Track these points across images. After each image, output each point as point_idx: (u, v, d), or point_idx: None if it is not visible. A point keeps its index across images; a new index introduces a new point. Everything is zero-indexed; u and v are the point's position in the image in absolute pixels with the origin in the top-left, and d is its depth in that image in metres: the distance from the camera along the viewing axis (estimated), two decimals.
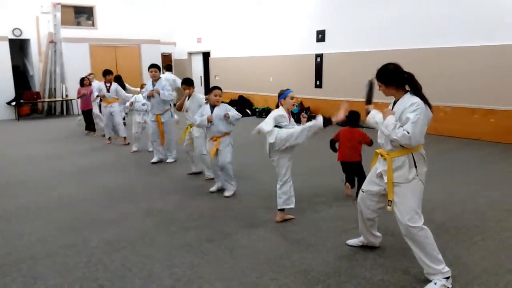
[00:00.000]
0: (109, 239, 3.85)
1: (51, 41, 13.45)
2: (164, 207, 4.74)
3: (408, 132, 2.71)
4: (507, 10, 7.68)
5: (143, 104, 7.35)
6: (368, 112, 3.19)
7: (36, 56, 13.75)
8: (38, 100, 13.43)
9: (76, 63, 13.52)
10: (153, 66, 6.74)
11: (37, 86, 13.86)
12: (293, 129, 4.00)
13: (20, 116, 13.05)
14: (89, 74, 10.37)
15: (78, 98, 9.81)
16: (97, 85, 8.69)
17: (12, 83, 13.03)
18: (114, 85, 8.39)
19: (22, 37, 13.49)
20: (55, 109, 14.01)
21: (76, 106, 10.92)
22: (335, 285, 2.99)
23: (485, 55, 8.01)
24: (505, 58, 7.76)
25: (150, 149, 7.37)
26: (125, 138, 8.56)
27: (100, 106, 9.40)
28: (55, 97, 13.72)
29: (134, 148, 7.83)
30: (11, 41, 13.11)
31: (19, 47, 14.17)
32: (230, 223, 4.19)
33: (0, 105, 12.89)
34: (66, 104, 14.06)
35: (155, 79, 6.65)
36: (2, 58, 12.63)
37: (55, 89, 13.67)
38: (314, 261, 3.35)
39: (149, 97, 6.54)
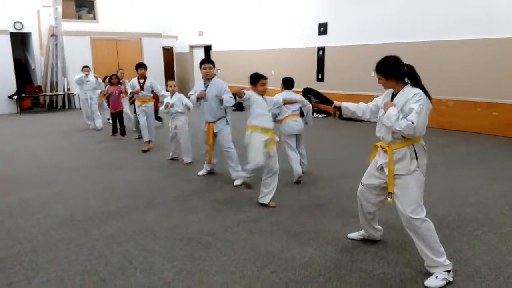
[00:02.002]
0: (111, 232, 3.86)
1: (52, 35, 13.43)
2: (165, 200, 4.74)
3: (412, 122, 2.69)
4: (510, 3, 7.62)
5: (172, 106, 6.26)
6: (339, 108, 3.33)
7: (38, 50, 13.74)
8: (40, 94, 13.42)
9: (77, 57, 13.47)
10: (207, 61, 5.34)
11: (38, 80, 13.86)
12: None
13: (21, 110, 13.06)
14: (118, 71, 9.32)
15: (106, 98, 8.75)
16: (130, 81, 7.54)
17: (14, 77, 13.01)
18: (149, 81, 7.25)
19: (24, 30, 13.47)
20: (57, 103, 14.01)
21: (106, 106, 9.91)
22: (336, 278, 2.99)
23: (488, 48, 7.96)
24: (507, 51, 7.71)
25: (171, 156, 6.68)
26: (149, 141, 7.40)
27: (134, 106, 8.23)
28: (56, 91, 13.72)
29: (170, 155, 6.67)
30: (13, 35, 13.09)
31: (20, 41, 14.17)
32: (231, 216, 4.19)
33: (1, 99, 12.89)
34: (68, 98, 14.05)
35: (209, 78, 5.31)
36: (3, 52, 12.60)
37: (56, 82, 13.67)
38: (314, 254, 3.35)
39: (200, 98, 5.32)
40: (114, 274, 3.10)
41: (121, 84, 8.63)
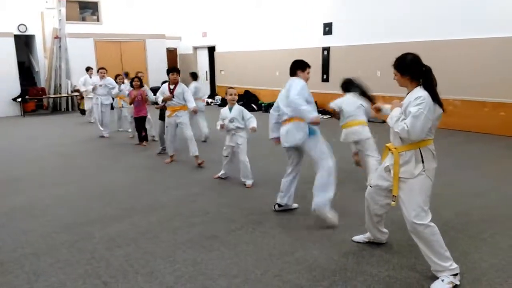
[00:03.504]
0: (112, 235, 3.83)
1: (56, 37, 13.46)
2: (167, 203, 4.71)
3: (407, 126, 2.65)
4: None
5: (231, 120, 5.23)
6: (379, 109, 3.24)
7: (41, 52, 13.79)
8: (44, 96, 13.46)
9: (81, 59, 13.52)
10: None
11: (42, 82, 13.90)
12: None
13: (25, 112, 13.11)
14: (138, 73, 8.54)
15: (130, 103, 7.80)
16: (160, 88, 6.54)
17: (18, 79, 13.07)
18: (181, 87, 6.22)
19: (27, 33, 13.53)
20: (61, 105, 14.05)
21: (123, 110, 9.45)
22: (341, 281, 2.94)
23: (495, 47, 7.87)
24: None
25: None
26: (197, 157, 6.31)
27: (163, 114, 6.78)
28: (60, 93, 13.75)
29: (221, 173, 5.64)
30: (16, 37, 13.15)
31: (24, 43, 14.23)
32: (234, 219, 4.15)
33: (5, 101, 12.95)
34: (72, 100, 14.08)
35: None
36: (7, 54, 12.67)
37: (60, 85, 13.70)
38: (319, 257, 3.30)
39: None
40: (115, 278, 3.06)
41: (142, 86, 7.85)
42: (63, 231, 3.95)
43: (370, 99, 3.26)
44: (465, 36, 8.28)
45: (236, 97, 5.33)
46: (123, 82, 8.99)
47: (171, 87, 6.19)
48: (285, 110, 4.02)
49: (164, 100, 6.20)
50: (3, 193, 5.21)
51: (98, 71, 9.37)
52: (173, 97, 6.14)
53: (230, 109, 5.22)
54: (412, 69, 2.84)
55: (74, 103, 14.11)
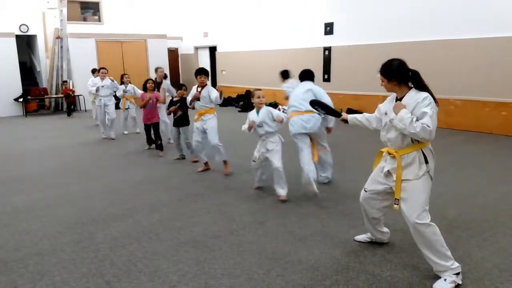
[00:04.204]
0: (115, 235, 3.84)
1: (58, 37, 13.49)
2: (170, 202, 4.72)
3: (428, 126, 2.66)
4: None
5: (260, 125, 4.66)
6: (346, 120, 3.38)
7: (43, 52, 13.83)
8: (45, 96, 13.49)
9: (82, 59, 13.56)
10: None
11: (44, 82, 13.92)
12: None
13: (27, 112, 13.13)
14: (158, 69, 8.05)
15: (142, 107, 6.95)
16: (192, 90, 5.90)
17: (19, 80, 13.10)
18: (207, 90, 5.73)
19: (29, 33, 13.56)
20: (62, 105, 14.06)
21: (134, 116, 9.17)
22: (343, 281, 2.94)
23: (497, 47, 7.86)
24: None
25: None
26: (206, 163, 6.03)
27: (178, 120, 6.41)
28: (62, 93, 13.77)
29: (255, 183, 5.12)
30: (18, 37, 13.17)
31: (26, 43, 14.26)
32: (237, 219, 4.16)
33: (7, 101, 12.97)
34: (73, 100, 14.10)
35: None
36: (9, 55, 12.69)
37: (62, 85, 13.70)
38: (321, 257, 3.31)
39: None
40: (118, 277, 3.08)
41: (158, 90, 7.34)
42: (67, 231, 3.96)
43: (337, 114, 3.41)
44: (467, 35, 8.27)
45: (264, 99, 4.72)
46: (129, 82, 8.66)
47: (198, 89, 5.79)
48: (303, 104, 4.81)
49: (192, 101, 5.80)
50: (6, 193, 5.22)
51: (98, 71, 9.16)
52: (198, 100, 5.72)
53: (258, 112, 4.70)
54: (398, 74, 2.85)
55: (76, 103, 14.12)
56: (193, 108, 5.90)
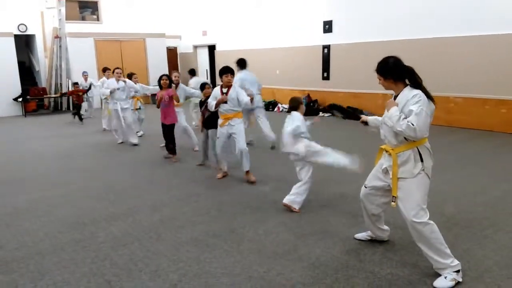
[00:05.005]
0: (116, 234, 3.85)
1: (56, 36, 13.46)
2: (170, 202, 4.72)
3: (412, 124, 2.66)
4: None
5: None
6: (365, 122, 3.33)
7: (42, 52, 13.80)
8: (45, 96, 13.47)
9: (81, 58, 13.55)
10: None
11: (43, 82, 13.91)
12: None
13: (26, 112, 13.11)
14: (173, 73, 7.26)
15: (157, 106, 6.50)
16: (213, 91, 5.42)
17: (18, 79, 13.09)
18: (235, 90, 5.22)
19: (28, 32, 13.53)
20: (61, 105, 14.06)
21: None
22: (343, 279, 2.95)
23: (496, 44, 7.87)
24: None
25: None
26: (248, 172, 5.41)
27: (208, 123, 5.76)
28: (61, 93, 13.76)
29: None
30: (17, 37, 13.15)
31: (24, 43, 14.23)
32: (237, 218, 4.16)
33: (6, 101, 12.96)
34: (72, 99, 14.09)
35: None
36: (8, 54, 12.68)
37: (61, 84, 13.71)
38: (321, 255, 3.31)
39: None
40: (119, 277, 3.08)
41: (175, 87, 6.87)
42: (67, 231, 3.97)
43: (356, 117, 3.45)
44: (466, 33, 8.27)
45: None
46: (136, 82, 8.35)
47: (224, 90, 5.23)
48: None
49: (218, 104, 5.23)
50: (6, 193, 5.22)
51: (113, 72, 8.14)
52: (225, 102, 5.18)
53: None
54: (394, 72, 2.86)
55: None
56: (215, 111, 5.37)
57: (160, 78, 6.48)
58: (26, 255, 3.48)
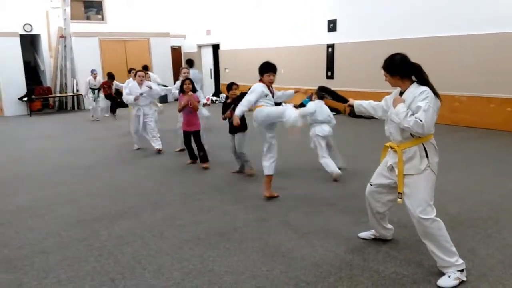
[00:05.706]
0: (119, 232, 3.86)
1: (61, 36, 13.52)
2: (173, 200, 4.73)
3: (421, 120, 2.65)
4: None
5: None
6: (351, 106, 3.37)
7: (47, 51, 13.87)
8: (50, 96, 13.54)
9: (86, 58, 13.60)
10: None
11: (48, 81, 13.98)
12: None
13: (31, 111, 13.18)
14: (184, 70, 6.83)
15: (180, 110, 6.11)
16: (259, 88, 4.70)
17: (24, 79, 13.15)
18: (279, 91, 4.92)
19: (33, 32, 13.60)
20: (66, 104, 14.13)
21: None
22: (347, 278, 2.94)
23: (501, 43, 7.81)
24: None
25: None
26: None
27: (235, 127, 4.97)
28: (66, 92, 13.83)
29: None
30: (22, 37, 13.21)
31: (29, 43, 14.30)
32: (240, 216, 4.16)
33: (12, 100, 13.04)
34: (77, 99, 14.16)
35: None
36: (13, 54, 12.74)
37: (66, 84, 13.77)
38: (325, 254, 3.30)
39: None
40: (123, 275, 3.09)
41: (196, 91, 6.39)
42: (71, 229, 3.98)
43: (343, 99, 3.45)
44: (472, 31, 8.22)
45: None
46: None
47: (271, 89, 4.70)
48: None
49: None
50: (10, 191, 5.25)
51: (135, 75, 7.28)
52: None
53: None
54: (401, 68, 2.85)
55: (80, 102, 14.16)
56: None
57: (183, 83, 6.02)
58: (30, 253, 3.50)
